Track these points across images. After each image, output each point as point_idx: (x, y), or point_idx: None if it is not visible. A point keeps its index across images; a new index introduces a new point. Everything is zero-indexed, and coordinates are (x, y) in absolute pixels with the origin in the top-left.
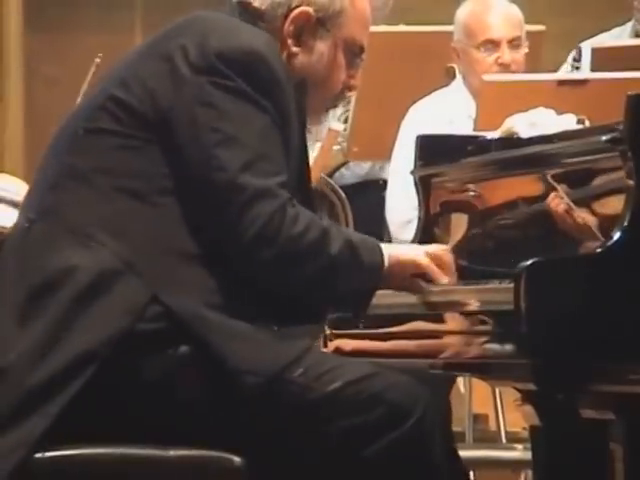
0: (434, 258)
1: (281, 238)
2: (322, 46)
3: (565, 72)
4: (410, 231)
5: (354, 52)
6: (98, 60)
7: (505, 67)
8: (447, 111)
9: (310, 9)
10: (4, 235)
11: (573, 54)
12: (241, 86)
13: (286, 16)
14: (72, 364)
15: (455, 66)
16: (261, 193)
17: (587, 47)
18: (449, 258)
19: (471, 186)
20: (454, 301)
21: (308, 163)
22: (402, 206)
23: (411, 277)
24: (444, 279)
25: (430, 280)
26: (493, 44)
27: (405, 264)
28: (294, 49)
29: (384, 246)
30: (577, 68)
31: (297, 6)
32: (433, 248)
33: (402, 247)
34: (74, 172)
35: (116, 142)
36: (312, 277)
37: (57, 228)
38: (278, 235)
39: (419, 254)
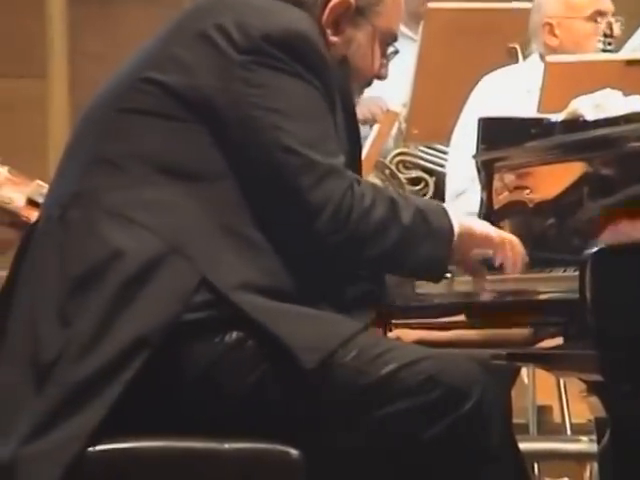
0: (508, 243)
1: (353, 218)
2: (360, 36)
3: (598, 49)
4: (461, 203)
5: (388, 42)
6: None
7: (612, 39)
8: (524, 81)
9: None
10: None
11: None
12: (292, 67)
13: (325, 4)
14: (123, 353)
15: (517, 47)
16: (330, 171)
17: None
18: (521, 248)
19: (534, 170)
20: (517, 289)
21: (360, 145)
22: (457, 175)
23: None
24: (515, 267)
25: (491, 267)
26: (601, 16)
27: (476, 237)
28: (332, 38)
29: (453, 213)
30: (609, 44)
31: None
32: (508, 235)
33: (474, 219)
34: (107, 157)
35: (151, 123)
36: (386, 250)
37: (95, 213)
38: (350, 215)
39: (494, 231)
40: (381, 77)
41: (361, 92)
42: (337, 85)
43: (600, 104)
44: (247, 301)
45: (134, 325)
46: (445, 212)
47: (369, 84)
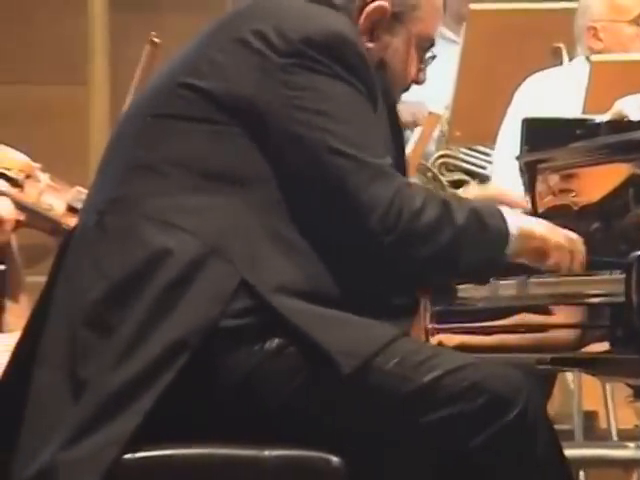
0: (567, 243)
1: (404, 218)
2: (396, 42)
3: None
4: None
5: (425, 47)
6: (155, 39)
7: None
8: (568, 85)
9: (386, 3)
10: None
11: None
12: (334, 69)
13: (361, 10)
14: (160, 358)
15: (562, 47)
16: (379, 172)
17: None
18: (582, 246)
19: (579, 172)
20: (562, 292)
21: (403, 149)
22: (501, 178)
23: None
24: (573, 265)
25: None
26: None
27: (536, 239)
28: (368, 45)
29: (509, 213)
30: None
31: (373, 0)
32: (571, 234)
33: (532, 218)
34: (146, 163)
35: (190, 128)
36: (440, 250)
37: (134, 218)
38: (401, 215)
39: (560, 232)
40: (419, 82)
41: (399, 97)
42: (379, 87)
43: None
44: (286, 305)
45: (173, 329)
46: (501, 214)
47: (407, 89)
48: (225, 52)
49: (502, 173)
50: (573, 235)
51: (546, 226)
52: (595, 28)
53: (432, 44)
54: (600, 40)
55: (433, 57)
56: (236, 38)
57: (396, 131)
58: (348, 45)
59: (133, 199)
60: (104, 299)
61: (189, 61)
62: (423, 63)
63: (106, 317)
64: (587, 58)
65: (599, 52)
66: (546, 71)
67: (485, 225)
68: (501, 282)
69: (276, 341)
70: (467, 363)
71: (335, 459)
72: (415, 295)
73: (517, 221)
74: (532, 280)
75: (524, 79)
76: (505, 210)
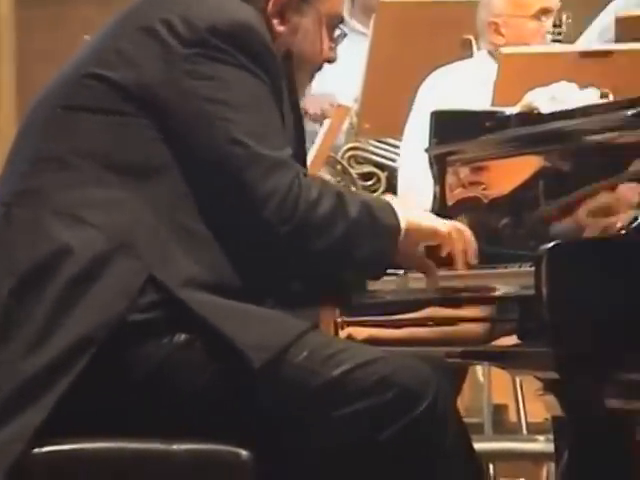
0: (456, 233)
1: (300, 209)
2: (306, 22)
3: (549, 41)
4: (413, 198)
5: (334, 25)
6: (87, 37)
7: (561, 29)
8: (471, 79)
9: None
10: None
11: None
12: (238, 58)
13: None
14: (67, 352)
15: (472, 39)
16: (276, 164)
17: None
18: (472, 237)
19: (488, 164)
20: (471, 286)
21: (304, 136)
22: (408, 170)
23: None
24: (467, 259)
25: (443, 261)
26: (546, 14)
27: (423, 231)
28: (279, 28)
29: (401, 208)
30: (559, 34)
31: None
32: (459, 224)
33: (422, 212)
34: (53, 155)
35: (99, 120)
36: (333, 243)
37: (40, 211)
38: (297, 206)
39: (445, 223)
40: (331, 60)
41: (311, 78)
42: (284, 77)
43: (555, 97)
44: (195, 299)
45: (79, 324)
46: (392, 208)
47: (319, 68)
48: (132, 41)
49: (409, 166)
50: (462, 226)
51: (434, 219)
52: (497, 23)
53: (341, 21)
54: (502, 35)
55: (344, 35)
56: (143, 27)
57: (298, 122)
58: (253, 35)
59: (40, 192)
60: (10, 294)
61: (96, 51)
62: (334, 42)
63: (12, 312)
64: (490, 52)
65: (501, 47)
66: (450, 65)
67: (376, 219)
68: (410, 275)
69: (185, 334)
70: (377, 357)
71: (244, 453)
72: (317, 285)
73: (406, 215)
74: (442, 273)
75: (429, 73)
76: (395, 204)
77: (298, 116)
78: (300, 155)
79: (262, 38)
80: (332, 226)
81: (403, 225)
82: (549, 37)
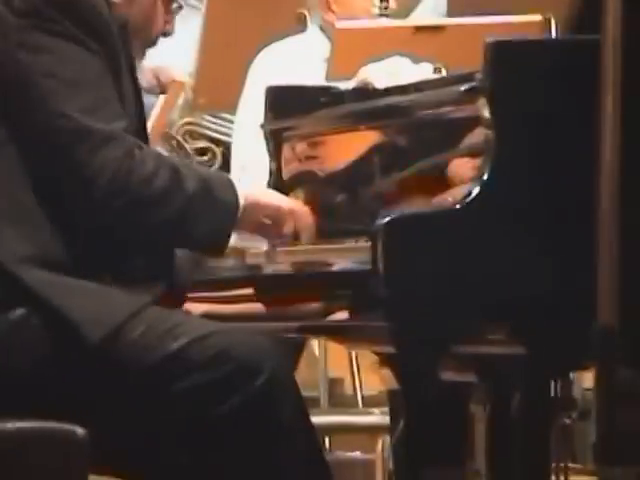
0: (295, 211)
1: (133, 182)
2: None
3: (375, 16)
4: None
5: None
6: None
7: (387, 4)
8: (303, 55)
9: None
10: None
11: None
12: (70, 29)
13: None
14: None
15: (306, 13)
16: (107, 138)
17: None
18: (310, 216)
19: (324, 139)
20: (308, 261)
21: (143, 107)
22: (242, 148)
23: (264, 225)
24: (306, 234)
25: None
26: None
27: (264, 206)
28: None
29: (240, 185)
30: (385, 8)
31: None
32: (295, 202)
33: (262, 189)
34: None
35: None
36: (169, 219)
37: None
38: (129, 179)
39: (283, 199)
40: (167, 34)
41: (145, 52)
42: (121, 49)
43: (390, 72)
44: (30, 275)
45: None
46: (231, 183)
47: (154, 43)
48: None
49: (242, 142)
50: (300, 204)
51: (275, 196)
52: (328, 0)
53: None
54: (333, 12)
55: (180, 7)
56: None
57: (137, 94)
58: (88, 6)
59: None
60: None
61: None
62: (170, 14)
63: None
64: (321, 28)
65: (331, 23)
66: (281, 41)
67: (214, 195)
68: (247, 251)
69: (21, 311)
70: (214, 330)
71: (80, 430)
72: (156, 261)
73: (246, 191)
74: (279, 249)
75: (261, 49)
76: (235, 180)
77: (137, 87)
78: (140, 127)
79: (97, 9)
80: (168, 201)
81: (242, 202)
82: (376, 11)
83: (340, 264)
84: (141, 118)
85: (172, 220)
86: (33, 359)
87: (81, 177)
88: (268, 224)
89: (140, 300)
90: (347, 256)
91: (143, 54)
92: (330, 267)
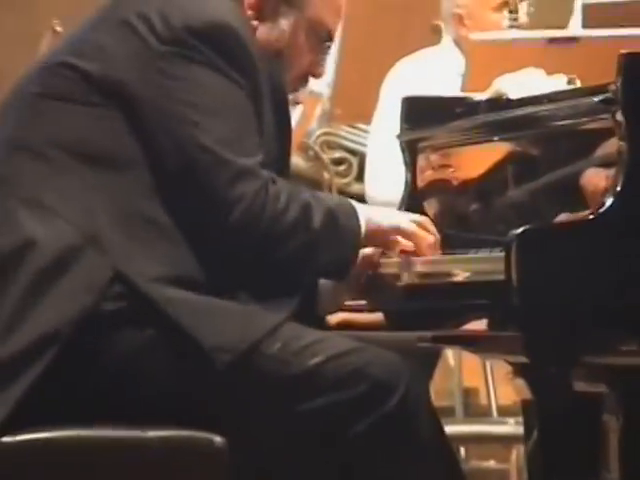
0: (420, 227)
1: (265, 217)
2: (284, 23)
3: (506, 28)
4: (381, 186)
5: (320, 36)
6: (57, 28)
7: (517, 15)
8: (437, 68)
9: None
10: None
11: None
12: (213, 59)
13: None
14: (32, 347)
15: (442, 25)
16: (244, 172)
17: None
18: (434, 230)
19: (459, 149)
20: (442, 272)
21: (289, 137)
22: (377, 158)
23: (392, 243)
24: (429, 252)
25: (410, 251)
26: (506, 5)
27: (387, 231)
28: (254, 22)
29: (363, 209)
30: (515, 20)
31: None
32: (418, 217)
33: (384, 211)
34: (25, 143)
35: (71, 109)
36: (296, 252)
37: (10, 200)
38: (262, 214)
39: (404, 220)
40: (316, 75)
41: (294, 89)
42: (265, 78)
43: (523, 83)
44: (161, 294)
45: (45, 318)
46: (354, 211)
47: (303, 81)
48: (109, 34)
49: (378, 153)
50: (422, 218)
51: (397, 217)
52: (460, 15)
53: (330, 36)
54: (465, 26)
55: (329, 47)
56: (121, 20)
57: (283, 123)
58: (232, 36)
59: (12, 180)
60: None
61: (75, 41)
62: (320, 54)
63: None
64: (455, 41)
65: (464, 38)
66: (417, 53)
67: (340, 226)
68: (383, 260)
69: (151, 330)
70: (350, 348)
71: (218, 439)
72: (303, 275)
73: (368, 215)
74: (414, 258)
75: (399, 60)
76: (359, 206)
77: (284, 115)
78: (284, 156)
79: (241, 40)
80: (295, 235)
81: (364, 227)
82: (506, 22)
83: (474, 274)
84: (284, 146)
85: (296, 254)
86: (167, 373)
87: (216, 208)
88: (392, 244)
89: (273, 320)
90: (481, 266)
91: (291, 90)
92: (461, 277)
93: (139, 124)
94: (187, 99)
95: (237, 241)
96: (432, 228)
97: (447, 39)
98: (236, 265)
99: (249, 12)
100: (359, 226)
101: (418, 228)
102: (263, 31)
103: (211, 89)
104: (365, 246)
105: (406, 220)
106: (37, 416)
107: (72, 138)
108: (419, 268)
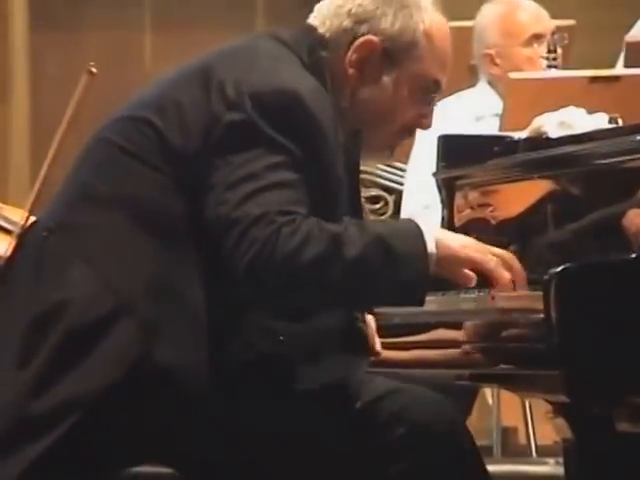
0: (502, 261)
1: (276, 258)
2: (387, 80)
3: (544, 67)
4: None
5: (426, 88)
6: (93, 69)
7: (556, 54)
8: (474, 109)
9: (376, 38)
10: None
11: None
12: (274, 135)
13: (350, 44)
14: (53, 412)
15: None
16: (256, 220)
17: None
18: (518, 264)
19: (497, 188)
20: (480, 309)
21: (361, 205)
22: (413, 197)
23: (462, 275)
24: (510, 287)
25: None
26: (538, 39)
27: (461, 259)
28: (355, 81)
29: (436, 231)
30: (554, 59)
31: (363, 34)
32: (501, 252)
33: (464, 239)
34: (99, 195)
35: (146, 173)
36: (331, 284)
37: (69, 249)
38: (272, 255)
39: (484, 251)
40: (423, 127)
41: (398, 142)
42: (335, 142)
43: (564, 121)
44: (195, 375)
45: (72, 385)
46: (417, 232)
47: (409, 134)
48: (189, 95)
49: (414, 193)
50: (508, 256)
51: (471, 247)
52: (491, 55)
53: (437, 85)
54: (497, 65)
55: (434, 97)
56: (202, 84)
57: (354, 189)
58: (296, 104)
59: (75, 229)
60: (23, 331)
61: (157, 96)
62: (427, 106)
63: (20, 352)
64: (489, 82)
65: (499, 77)
66: (452, 96)
67: (393, 251)
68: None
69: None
70: (387, 391)
71: None
72: (355, 306)
73: (440, 239)
74: (449, 296)
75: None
76: (431, 227)
77: (355, 184)
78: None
79: (306, 109)
80: (324, 269)
81: (434, 250)
82: (544, 63)
83: (513, 312)
84: (355, 209)
85: (335, 287)
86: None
87: (229, 260)
88: (461, 277)
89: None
90: (520, 304)
91: (389, 145)
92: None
93: (196, 197)
94: (228, 180)
95: (256, 289)
96: (517, 264)
97: (482, 80)
98: (273, 320)
99: (350, 70)
100: (423, 246)
101: (499, 264)
102: (365, 89)
103: (261, 166)
104: (441, 272)
105: (487, 252)
106: None
107: (135, 200)
108: (453, 306)
